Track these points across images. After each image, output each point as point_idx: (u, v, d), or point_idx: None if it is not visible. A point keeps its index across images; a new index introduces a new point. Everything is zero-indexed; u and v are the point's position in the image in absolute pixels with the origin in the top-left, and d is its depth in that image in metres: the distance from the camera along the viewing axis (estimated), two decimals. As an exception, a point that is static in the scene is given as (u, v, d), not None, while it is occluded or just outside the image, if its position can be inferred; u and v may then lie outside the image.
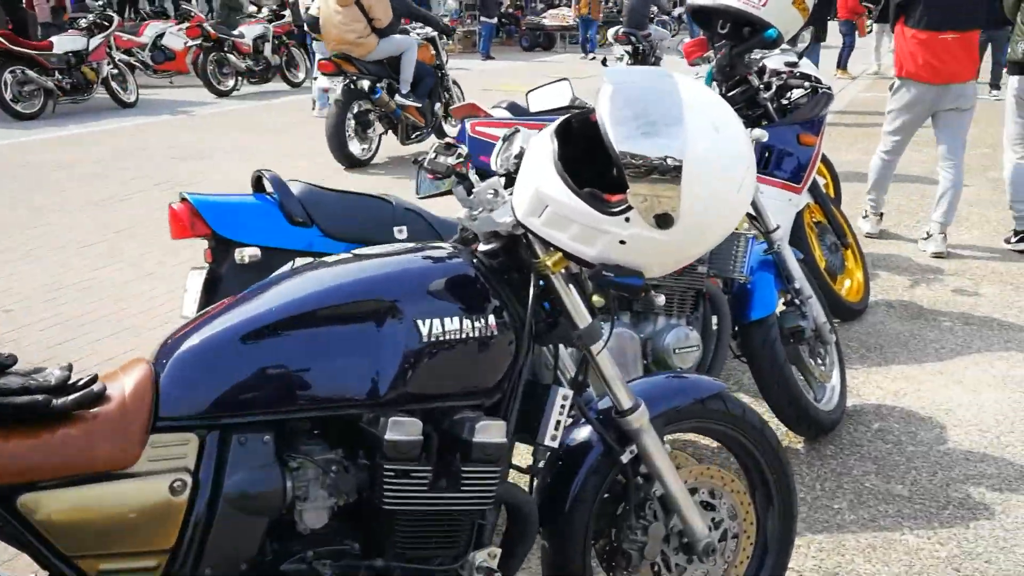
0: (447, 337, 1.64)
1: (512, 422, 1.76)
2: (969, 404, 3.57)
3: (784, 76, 4.30)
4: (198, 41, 13.56)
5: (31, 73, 10.73)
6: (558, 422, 1.79)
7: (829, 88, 4.30)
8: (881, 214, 6.06)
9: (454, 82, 9.80)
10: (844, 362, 3.48)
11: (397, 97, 8.24)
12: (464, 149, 1.86)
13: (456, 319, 1.65)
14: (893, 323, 4.46)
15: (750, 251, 2.98)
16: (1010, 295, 4.84)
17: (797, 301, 3.17)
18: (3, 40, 10.55)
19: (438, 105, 9.00)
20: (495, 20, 21.78)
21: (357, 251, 1.79)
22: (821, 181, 4.63)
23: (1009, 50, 5.60)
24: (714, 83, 2.97)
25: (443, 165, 1.87)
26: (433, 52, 9.21)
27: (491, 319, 1.69)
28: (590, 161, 1.66)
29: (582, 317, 1.77)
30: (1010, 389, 3.70)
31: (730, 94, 4.25)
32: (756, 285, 3.10)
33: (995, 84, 13.23)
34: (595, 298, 1.70)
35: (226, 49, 13.70)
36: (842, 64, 15.83)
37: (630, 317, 2.79)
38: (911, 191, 7.24)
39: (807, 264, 4.26)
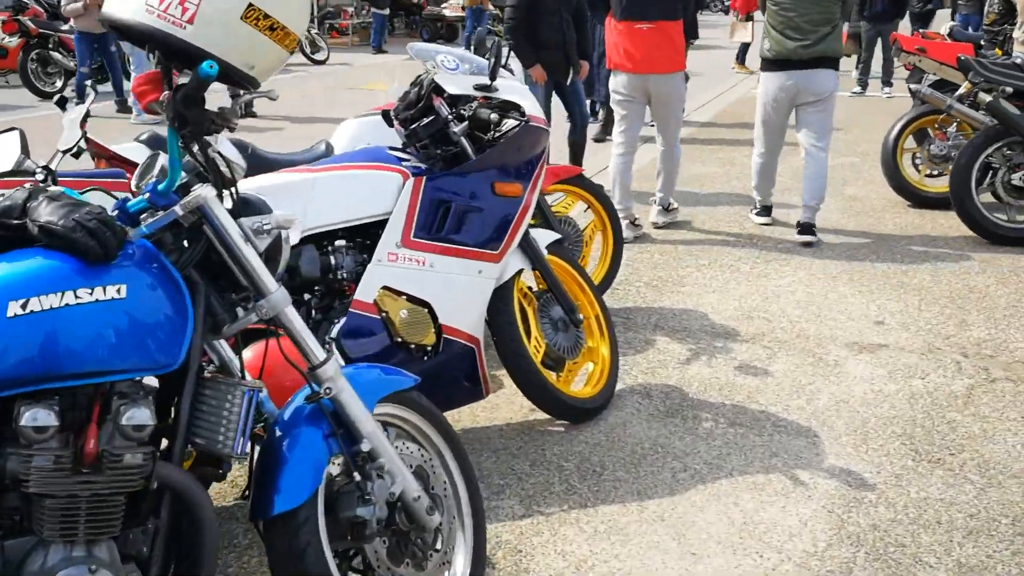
0: None
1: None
2: (674, 584, 2.51)
3: (473, 105, 3.21)
4: (16, 37, 12.15)
5: None
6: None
7: (529, 120, 3.21)
8: (635, 219, 5.73)
9: None
10: (484, 537, 2.39)
11: None
12: None
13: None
14: (638, 424, 3.40)
15: (249, 412, 1.86)
16: (805, 373, 3.81)
17: (358, 476, 2.05)
18: None
19: None
20: (386, 11, 20.48)
21: None
22: (542, 237, 3.53)
23: (761, 47, 5.62)
24: (181, 147, 1.82)
25: None
26: None
27: None
28: None
29: None
30: (740, 552, 2.64)
31: (413, 126, 3.18)
32: (286, 456, 1.98)
33: (886, 80, 12.39)
34: None
35: (51, 46, 12.30)
36: (740, 58, 15.11)
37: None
38: (722, 219, 6.21)
39: (513, 354, 3.21)
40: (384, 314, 2.88)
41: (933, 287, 4.84)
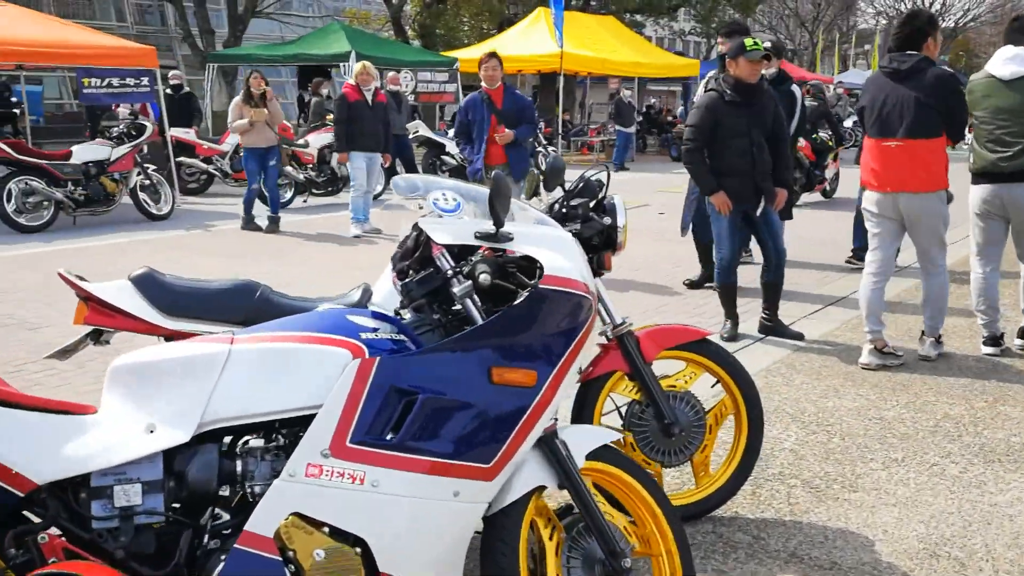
0: None
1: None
2: None
3: (472, 259, 2.35)
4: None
5: (36, 184, 10.11)
6: None
7: (538, 283, 2.28)
8: (883, 347, 5.30)
9: None
10: None
11: None
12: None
13: None
14: None
15: None
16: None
17: None
18: (7, 149, 9.99)
19: None
20: (631, 129, 20.09)
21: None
22: (583, 438, 2.53)
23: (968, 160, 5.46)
24: None
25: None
26: None
27: None
28: None
29: None
30: None
31: (406, 280, 2.40)
32: None
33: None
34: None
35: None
36: None
37: None
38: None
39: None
40: (290, 553, 2.02)
41: None
